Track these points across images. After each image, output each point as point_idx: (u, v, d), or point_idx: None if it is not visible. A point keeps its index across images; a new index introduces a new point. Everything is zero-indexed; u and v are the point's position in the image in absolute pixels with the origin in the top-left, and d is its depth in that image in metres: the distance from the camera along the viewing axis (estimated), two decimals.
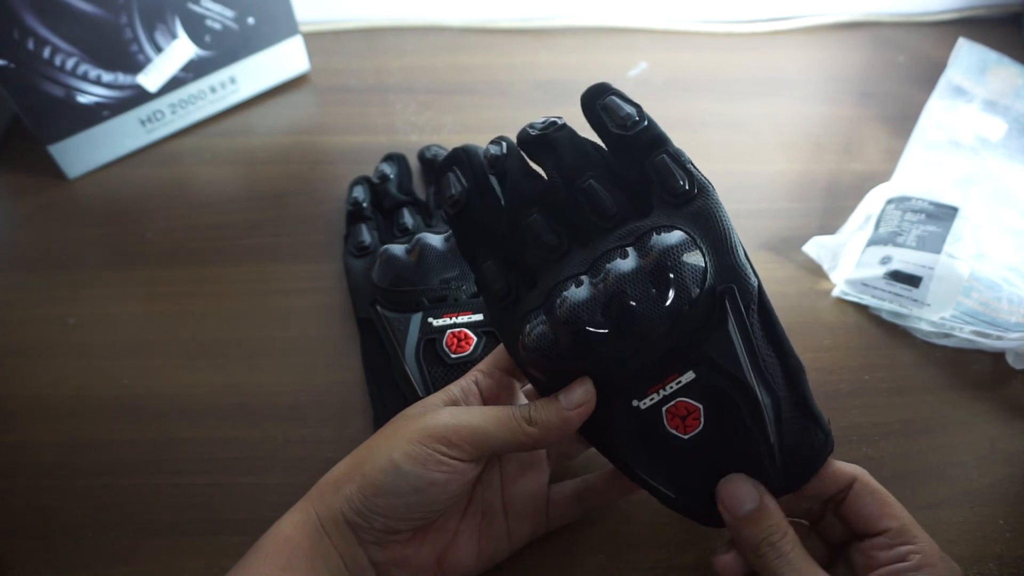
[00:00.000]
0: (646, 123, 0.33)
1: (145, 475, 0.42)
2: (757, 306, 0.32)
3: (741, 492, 0.32)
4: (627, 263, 0.31)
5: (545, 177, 0.34)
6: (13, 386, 0.47)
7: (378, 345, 0.46)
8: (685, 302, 0.30)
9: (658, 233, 0.31)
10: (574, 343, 0.31)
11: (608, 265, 0.31)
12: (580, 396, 0.32)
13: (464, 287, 0.46)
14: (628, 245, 0.31)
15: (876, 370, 0.47)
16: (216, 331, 0.49)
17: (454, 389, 0.35)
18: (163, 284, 0.52)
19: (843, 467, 0.33)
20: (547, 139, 0.33)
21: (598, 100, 0.33)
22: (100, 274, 0.53)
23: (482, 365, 0.36)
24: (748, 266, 0.32)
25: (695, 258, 0.31)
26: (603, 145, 0.34)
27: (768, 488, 0.32)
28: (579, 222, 0.33)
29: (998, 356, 0.47)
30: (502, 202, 0.35)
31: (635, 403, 0.32)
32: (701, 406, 0.32)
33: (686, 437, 0.32)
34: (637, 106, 0.33)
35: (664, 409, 0.32)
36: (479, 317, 0.45)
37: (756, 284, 0.32)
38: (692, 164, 0.32)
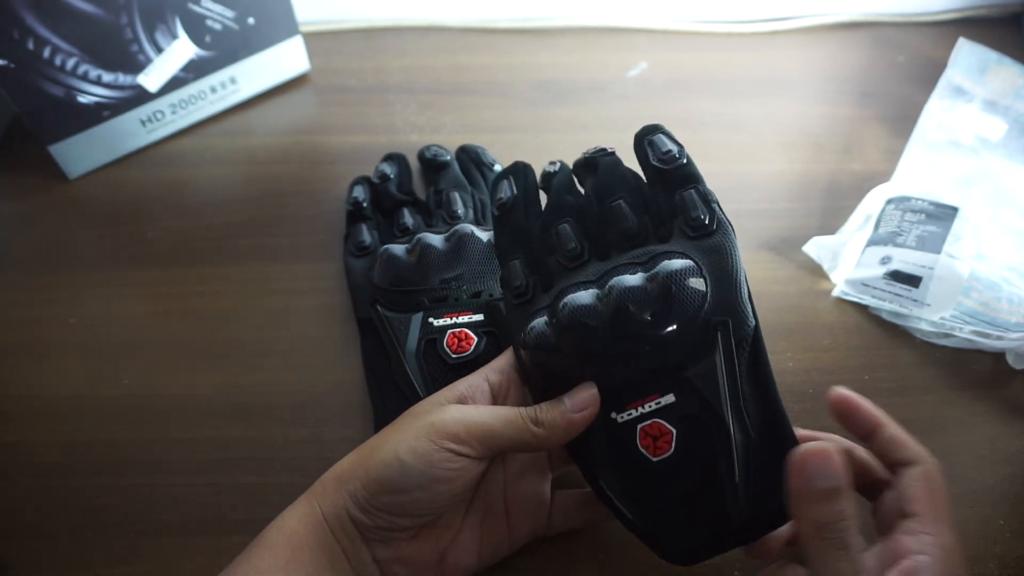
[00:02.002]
0: (684, 161, 0.35)
1: (145, 475, 0.42)
2: (750, 348, 0.32)
3: (829, 465, 0.27)
4: (633, 280, 0.32)
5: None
6: (13, 386, 0.47)
7: (378, 345, 0.46)
8: (680, 325, 0.32)
9: (669, 258, 0.33)
10: (569, 345, 0.32)
11: (615, 279, 0.33)
12: (584, 400, 0.33)
13: (464, 287, 0.46)
14: (639, 264, 0.33)
15: (876, 370, 0.47)
16: (216, 331, 0.49)
17: (461, 386, 0.35)
18: (163, 284, 0.52)
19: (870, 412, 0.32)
20: (592, 161, 0.37)
21: (647, 136, 0.36)
22: (100, 274, 0.53)
23: (494, 364, 0.37)
24: (749, 307, 0.33)
25: (697, 286, 0.32)
26: (643, 177, 0.36)
27: (725, 529, 0.32)
28: (603, 237, 0.36)
29: (998, 356, 0.47)
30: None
31: (613, 415, 0.33)
32: (675, 431, 0.33)
33: (655, 460, 0.33)
34: (680, 146, 0.36)
35: (639, 427, 0.33)
36: (480, 317, 0.45)
37: (753, 326, 0.33)
38: (718, 204, 0.34)
